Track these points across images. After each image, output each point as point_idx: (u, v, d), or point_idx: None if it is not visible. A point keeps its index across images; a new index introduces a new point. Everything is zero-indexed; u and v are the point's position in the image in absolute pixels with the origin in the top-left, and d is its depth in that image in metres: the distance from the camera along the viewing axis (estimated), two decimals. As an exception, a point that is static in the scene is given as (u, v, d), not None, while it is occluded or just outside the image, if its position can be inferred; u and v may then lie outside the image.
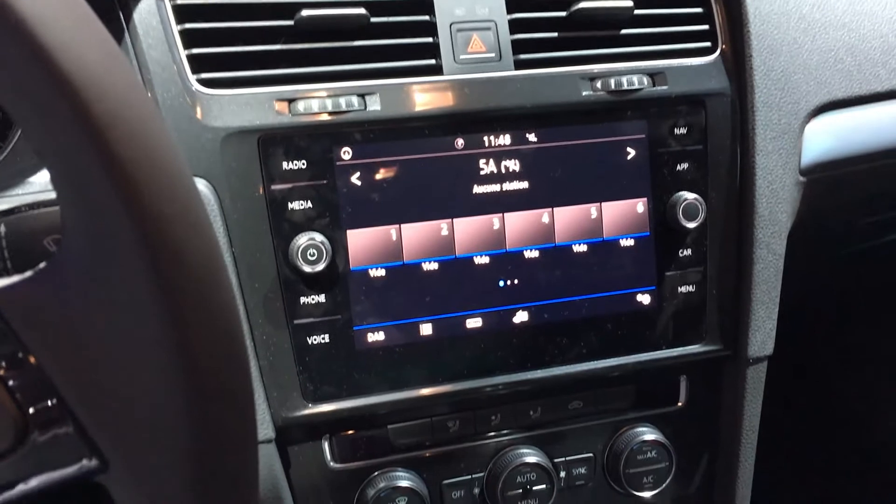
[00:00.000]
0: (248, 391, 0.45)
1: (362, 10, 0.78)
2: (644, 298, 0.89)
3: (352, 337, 0.81)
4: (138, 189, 0.39)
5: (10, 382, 0.43)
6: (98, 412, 0.43)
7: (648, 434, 0.93)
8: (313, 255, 0.77)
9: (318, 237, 0.77)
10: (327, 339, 0.81)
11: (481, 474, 0.91)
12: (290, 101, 0.77)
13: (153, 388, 0.42)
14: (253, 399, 0.46)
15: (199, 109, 0.75)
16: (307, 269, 0.77)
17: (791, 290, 0.95)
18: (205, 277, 0.42)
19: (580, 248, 0.87)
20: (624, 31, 0.87)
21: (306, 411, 0.81)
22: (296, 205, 0.77)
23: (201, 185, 0.75)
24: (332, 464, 0.86)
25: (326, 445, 0.86)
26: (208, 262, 0.42)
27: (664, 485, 0.94)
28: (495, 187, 0.83)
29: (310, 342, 0.80)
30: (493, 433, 0.91)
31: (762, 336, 0.92)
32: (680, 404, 0.96)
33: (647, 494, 0.94)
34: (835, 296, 1.51)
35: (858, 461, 2.18)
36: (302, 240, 0.77)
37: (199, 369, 0.42)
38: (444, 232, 0.83)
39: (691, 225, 0.87)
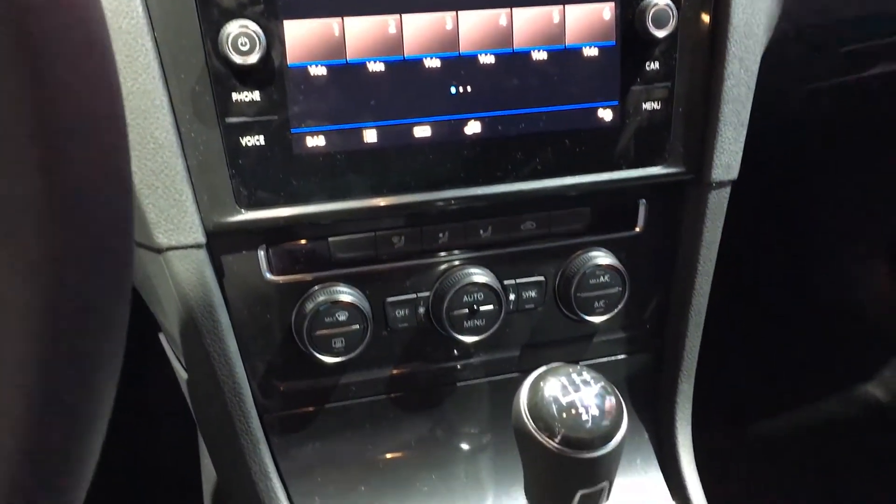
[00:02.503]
0: (123, 186, 0.39)
1: None
2: (606, 114, 0.84)
3: (289, 140, 0.75)
4: None
5: None
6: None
7: (602, 258, 0.90)
8: (245, 44, 0.70)
9: (252, 26, 0.70)
10: (262, 142, 0.75)
11: (427, 293, 0.87)
12: None
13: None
14: (129, 194, 0.40)
15: None
16: (238, 60, 0.70)
17: (759, 120, 0.90)
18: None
19: (540, 55, 0.80)
20: None
21: (239, 217, 0.76)
22: (226, -13, 0.70)
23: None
24: (268, 276, 0.82)
25: (262, 256, 0.82)
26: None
27: (615, 310, 0.92)
28: (449, -20, 0.76)
29: (243, 143, 0.74)
30: (440, 252, 0.87)
31: (727, 159, 0.87)
32: (637, 230, 0.93)
33: (597, 319, 0.92)
34: (804, 132, 1.46)
35: (813, 300, 2.20)
36: (233, 27, 0.70)
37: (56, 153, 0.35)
38: (392, 29, 0.76)
39: (661, 34, 0.80)
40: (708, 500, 1.00)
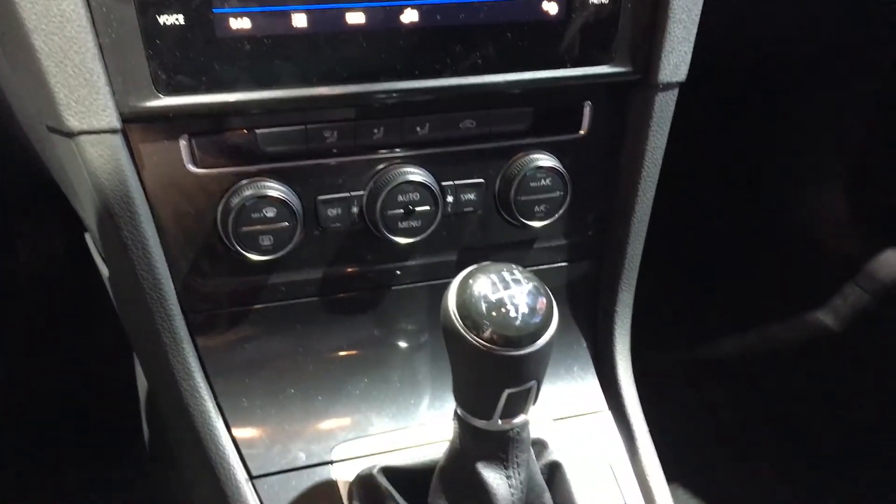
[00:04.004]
0: None
1: None
2: (551, 7, 0.80)
3: (211, 21, 0.70)
4: None
5: None
6: None
7: (544, 161, 0.87)
8: None
9: None
10: (182, 21, 0.70)
11: (361, 192, 0.84)
12: None
13: None
14: None
15: None
16: None
17: (713, 19, 0.86)
18: None
19: (482, -59, 0.76)
20: None
21: (157, 103, 0.71)
22: None
23: None
24: (191, 168, 0.78)
25: (185, 146, 0.77)
26: None
27: (557, 215, 0.89)
28: None
29: (160, 22, 0.69)
30: (375, 149, 0.84)
31: (676, 59, 0.84)
32: (582, 132, 0.90)
33: (537, 224, 0.89)
34: (761, 34, 1.42)
35: (765, 220, 2.20)
36: None
37: None
38: None
39: None
40: (645, 413, 1.00)
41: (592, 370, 0.99)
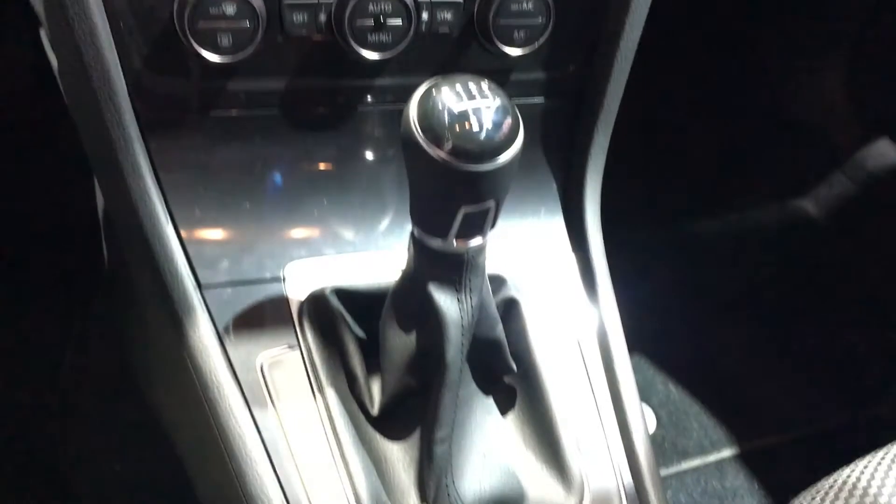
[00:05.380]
0: None
1: None
2: None
3: None
4: None
5: None
6: None
7: (528, -17, 0.82)
8: None
9: None
10: None
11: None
12: None
13: None
14: None
15: None
16: None
17: None
18: None
19: None
20: None
21: None
22: None
23: None
24: None
25: None
26: None
27: (537, 44, 0.85)
28: None
29: None
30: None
31: None
32: (569, -46, 0.84)
33: (516, 51, 0.85)
34: None
35: (758, 100, 2.16)
36: None
37: None
38: None
39: None
40: (609, 266, 0.98)
41: (560, 213, 0.97)
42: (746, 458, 1.80)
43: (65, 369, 1.42)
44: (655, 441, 1.81)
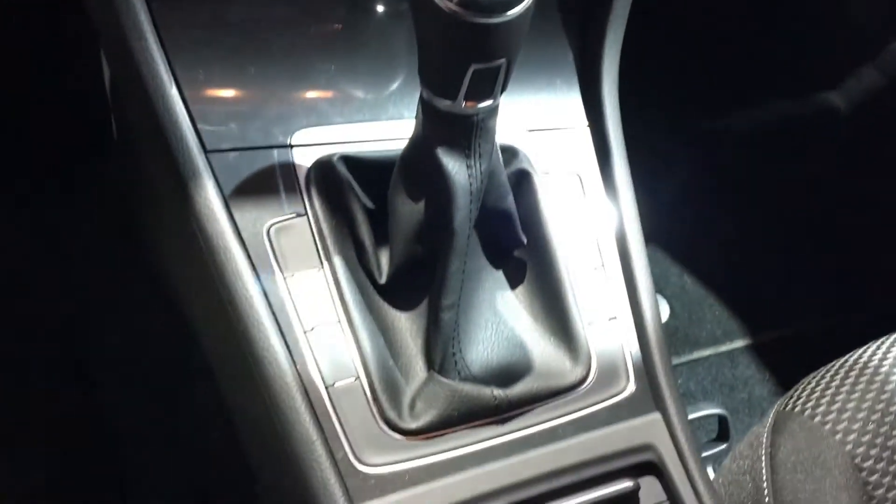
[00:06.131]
0: None
1: None
2: None
3: None
4: None
5: None
6: None
7: None
8: None
9: None
10: None
11: None
12: None
13: None
14: None
15: None
16: None
17: None
18: None
19: None
20: None
21: None
22: None
23: None
24: None
25: None
26: None
27: None
28: None
29: None
30: None
31: None
32: None
33: None
34: None
35: None
36: None
37: None
38: None
39: None
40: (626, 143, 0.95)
41: (576, 84, 0.94)
42: (759, 349, 1.81)
43: (73, 245, 1.42)
44: (668, 331, 1.82)
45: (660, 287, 1.86)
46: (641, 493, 0.81)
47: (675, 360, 1.77)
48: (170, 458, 1.27)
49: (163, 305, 1.02)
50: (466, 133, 0.70)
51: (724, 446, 1.41)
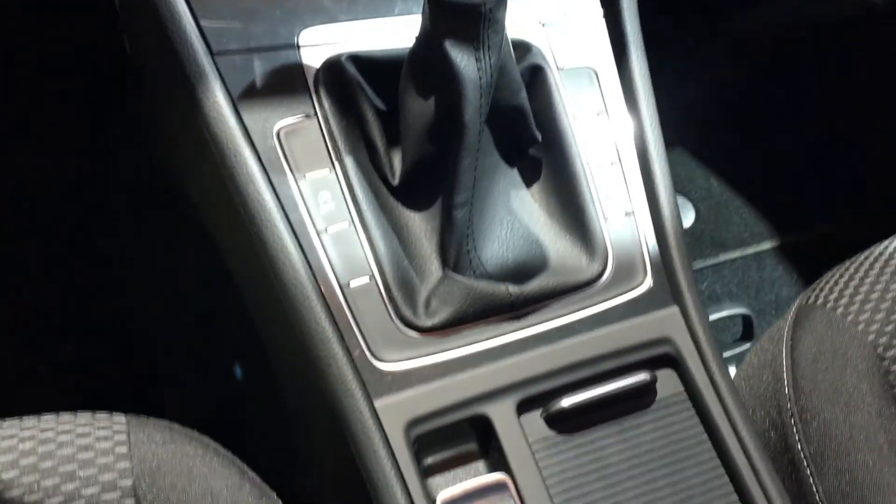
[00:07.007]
0: None
1: None
2: None
3: None
4: None
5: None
6: None
7: None
8: None
9: None
10: None
11: None
12: None
13: None
14: None
15: None
16: None
17: None
18: None
19: None
20: None
21: None
22: None
23: None
24: None
25: None
26: None
27: None
28: None
29: None
30: None
31: None
32: None
33: None
34: None
35: None
36: None
37: None
38: None
39: None
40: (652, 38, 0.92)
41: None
42: (786, 250, 1.78)
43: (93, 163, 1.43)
44: (694, 234, 1.80)
45: (686, 189, 1.84)
46: (659, 386, 0.81)
47: (702, 263, 1.76)
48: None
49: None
50: (474, 24, 0.68)
51: (747, 346, 1.41)
